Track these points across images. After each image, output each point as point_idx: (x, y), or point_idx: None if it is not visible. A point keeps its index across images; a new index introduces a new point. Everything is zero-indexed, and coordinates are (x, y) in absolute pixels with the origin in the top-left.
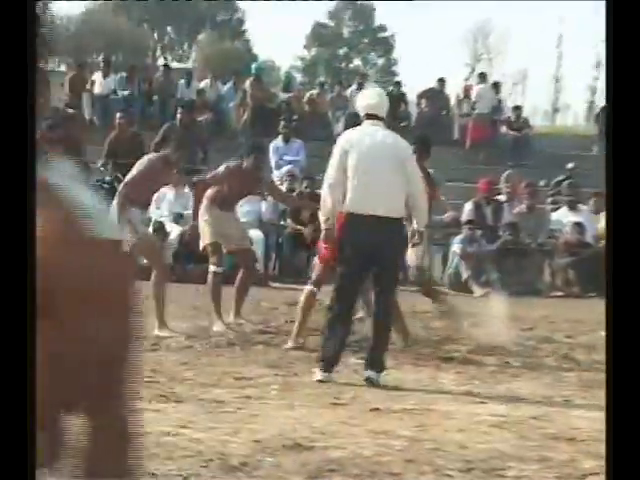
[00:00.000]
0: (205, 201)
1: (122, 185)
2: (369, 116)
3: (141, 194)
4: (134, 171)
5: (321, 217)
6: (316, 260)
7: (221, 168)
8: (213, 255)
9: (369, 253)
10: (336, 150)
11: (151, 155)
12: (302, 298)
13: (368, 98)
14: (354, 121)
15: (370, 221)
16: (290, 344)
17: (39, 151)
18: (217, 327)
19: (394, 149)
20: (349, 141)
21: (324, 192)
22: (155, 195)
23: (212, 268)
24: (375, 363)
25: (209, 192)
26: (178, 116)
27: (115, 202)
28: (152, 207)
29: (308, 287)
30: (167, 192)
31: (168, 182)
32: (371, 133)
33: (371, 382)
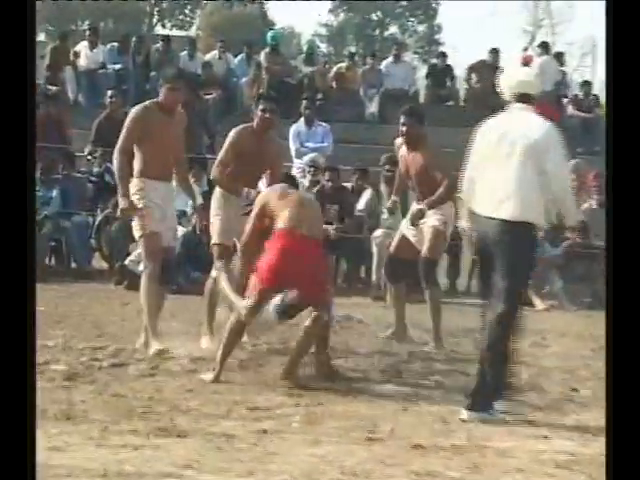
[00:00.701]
0: (217, 189)
1: (116, 150)
2: (519, 97)
3: (150, 157)
4: (125, 125)
5: (463, 222)
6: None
7: (228, 138)
8: (219, 259)
9: (487, 261)
10: (475, 140)
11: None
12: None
13: (519, 74)
14: (390, 100)
15: (488, 224)
16: (209, 377)
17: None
18: (205, 344)
19: (530, 140)
20: (486, 130)
21: (464, 188)
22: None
23: (214, 273)
24: (475, 400)
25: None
26: None
27: (116, 175)
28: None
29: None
30: None
31: (174, 136)
32: (510, 120)
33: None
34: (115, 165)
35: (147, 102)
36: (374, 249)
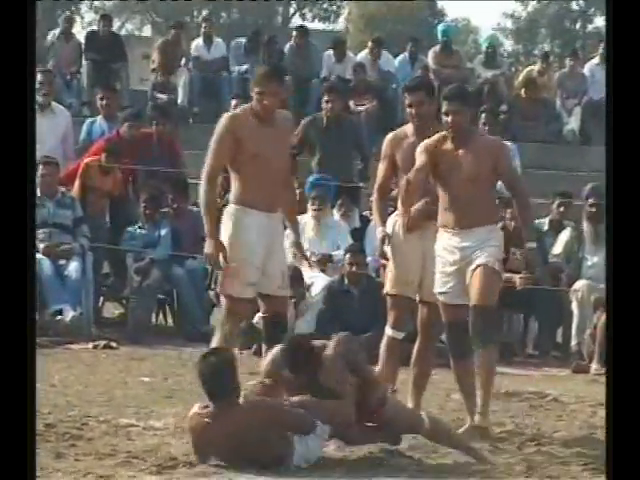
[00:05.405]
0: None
1: (202, 175)
2: None
3: (249, 179)
4: (212, 141)
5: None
6: None
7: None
8: (391, 312)
9: None
10: None
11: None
12: None
13: None
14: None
15: None
16: None
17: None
18: None
19: None
20: None
21: None
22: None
23: (389, 331)
24: None
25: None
26: (324, 105)
27: (202, 208)
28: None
29: None
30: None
31: (277, 151)
32: None
33: None
34: (200, 194)
35: (239, 109)
36: (574, 306)
